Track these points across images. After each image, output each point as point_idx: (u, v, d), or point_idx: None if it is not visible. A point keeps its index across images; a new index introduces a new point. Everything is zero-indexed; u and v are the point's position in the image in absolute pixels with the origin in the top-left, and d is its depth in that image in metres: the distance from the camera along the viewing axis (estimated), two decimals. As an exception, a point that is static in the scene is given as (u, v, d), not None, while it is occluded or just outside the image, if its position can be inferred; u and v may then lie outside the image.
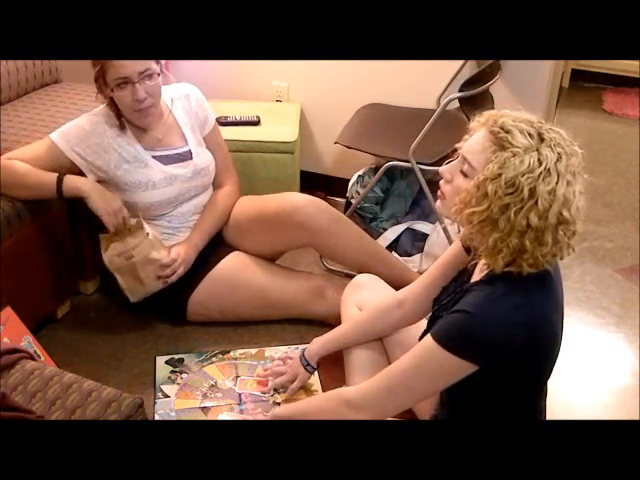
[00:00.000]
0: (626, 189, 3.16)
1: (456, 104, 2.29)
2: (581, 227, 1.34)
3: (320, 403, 1.61)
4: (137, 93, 2.00)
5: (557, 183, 1.28)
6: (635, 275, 2.57)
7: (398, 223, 2.59)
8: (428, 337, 1.38)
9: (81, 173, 2.09)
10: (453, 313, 1.37)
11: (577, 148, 1.35)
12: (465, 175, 1.38)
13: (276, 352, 2.15)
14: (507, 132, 1.31)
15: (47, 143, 2.08)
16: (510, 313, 1.32)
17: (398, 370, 1.43)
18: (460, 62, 2.62)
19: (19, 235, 2.03)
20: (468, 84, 2.22)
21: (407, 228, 2.54)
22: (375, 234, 2.55)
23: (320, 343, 1.89)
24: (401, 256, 2.47)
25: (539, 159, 1.28)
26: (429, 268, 1.71)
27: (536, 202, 1.27)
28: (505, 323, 1.32)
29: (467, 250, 1.58)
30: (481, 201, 1.31)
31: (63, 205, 2.15)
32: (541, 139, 1.31)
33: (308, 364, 1.90)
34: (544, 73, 2.64)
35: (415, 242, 2.52)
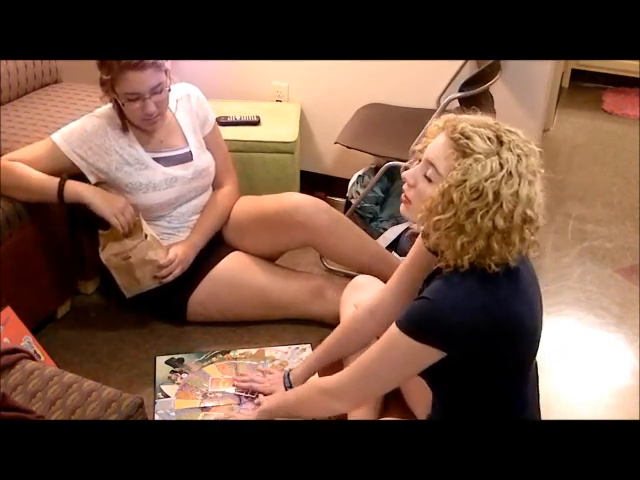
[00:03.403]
0: (626, 189, 3.16)
1: (456, 104, 2.29)
2: (542, 222, 1.37)
3: (301, 393, 1.66)
4: (147, 107, 2.01)
5: (519, 184, 1.31)
6: (635, 275, 2.57)
7: (398, 223, 2.59)
8: (392, 325, 1.41)
9: (82, 174, 2.09)
10: (415, 301, 1.40)
11: (534, 146, 1.37)
12: (429, 180, 1.40)
13: (276, 352, 2.15)
14: (467, 138, 1.33)
15: (48, 144, 2.08)
16: (468, 297, 1.34)
17: (367, 358, 1.48)
18: (460, 62, 2.62)
19: (19, 235, 2.03)
20: (468, 84, 2.22)
21: (407, 228, 2.54)
22: (375, 234, 2.55)
23: (305, 366, 1.90)
24: (401, 256, 2.47)
25: (500, 163, 1.31)
26: (394, 273, 1.73)
27: (501, 205, 1.30)
28: (463, 306, 1.34)
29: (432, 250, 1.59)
30: (447, 208, 1.33)
31: (63, 206, 2.15)
32: (500, 142, 1.33)
33: (291, 386, 1.89)
34: (544, 73, 2.64)
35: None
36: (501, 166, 1.30)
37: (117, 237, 2.07)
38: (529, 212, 1.32)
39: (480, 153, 1.31)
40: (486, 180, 1.30)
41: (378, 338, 1.81)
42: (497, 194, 1.30)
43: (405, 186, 1.46)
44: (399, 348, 1.40)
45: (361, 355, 1.51)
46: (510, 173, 1.30)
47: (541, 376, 1.55)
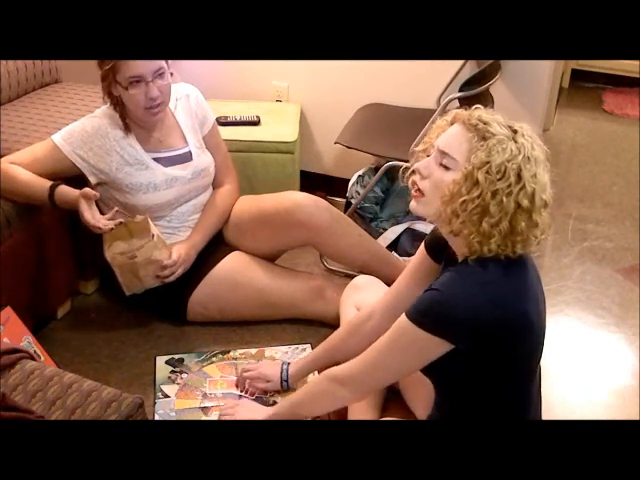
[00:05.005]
0: (626, 189, 3.16)
1: (456, 104, 2.29)
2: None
3: (308, 387, 1.67)
4: (151, 92, 2.00)
5: (537, 168, 1.36)
6: (635, 275, 2.57)
7: (398, 223, 2.59)
8: (402, 315, 1.43)
9: (82, 174, 2.09)
10: (424, 292, 1.42)
11: (539, 140, 1.42)
12: (446, 168, 1.41)
13: (276, 352, 2.15)
14: (485, 123, 1.38)
15: (49, 145, 2.08)
16: (477, 289, 1.36)
17: (377, 347, 1.49)
18: (460, 62, 2.62)
19: (19, 235, 2.03)
20: (468, 84, 2.22)
21: (407, 228, 2.54)
22: (375, 234, 2.55)
23: (303, 363, 1.92)
24: (401, 256, 2.47)
25: (517, 147, 1.36)
26: (396, 280, 1.75)
27: (523, 186, 1.34)
28: (471, 298, 1.35)
29: (433, 257, 1.61)
30: (471, 189, 1.35)
31: (59, 210, 2.15)
32: (513, 130, 1.39)
33: (286, 381, 1.92)
34: (544, 73, 2.64)
35: (415, 242, 2.51)
36: (519, 150, 1.35)
37: (123, 235, 2.06)
38: (544, 196, 1.37)
39: (501, 135, 1.36)
40: (508, 161, 1.34)
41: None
42: (519, 176, 1.34)
43: (416, 178, 1.47)
44: (407, 338, 1.41)
45: (372, 344, 1.52)
46: (528, 157, 1.35)
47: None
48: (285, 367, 1.93)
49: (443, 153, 1.41)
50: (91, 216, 1.98)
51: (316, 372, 1.95)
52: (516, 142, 1.36)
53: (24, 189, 2.01)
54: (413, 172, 1.48)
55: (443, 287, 1.38)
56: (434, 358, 1.40)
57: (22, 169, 2.03)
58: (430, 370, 1.45)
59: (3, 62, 2.43)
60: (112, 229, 2.01)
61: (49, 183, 2.01)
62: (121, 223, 2.03)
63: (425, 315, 1.38)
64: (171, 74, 2.07)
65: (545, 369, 1.55)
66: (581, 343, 2.27)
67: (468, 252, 1.40)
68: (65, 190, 2.00)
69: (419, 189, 1.46)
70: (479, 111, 1.42)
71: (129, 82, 1.98)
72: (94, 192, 1.99)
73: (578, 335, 2.30)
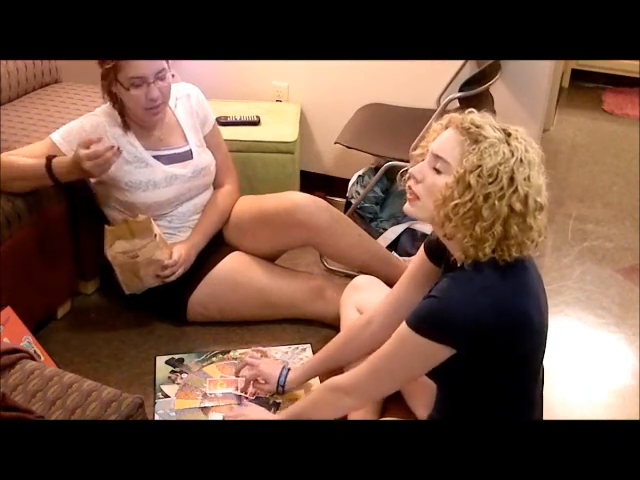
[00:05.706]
0: (626, 189, 3.16)
1: (456, 104, 2.29)
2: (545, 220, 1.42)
3: (311, 397, 1.67)
4: (151, 93, 2.00)
5: (530, 171, 1.36)
6: (635, 275, 2.57)
7: (398, 223, 2.59)
8: (403, 323, 1.43)
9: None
10: (423, 299, 1.42)
11: (535, 144, 1.43)
12: (439, 172, 1.42)
13: (276, 352, 2.15)
14: (478, 127, 1.38)
15: (47, 144, 2.08)
16: (476, 294, 1.36)
17: (380, 355, 1.49)
18: (460, 62, 2.62)
19: (19, 235, 2.03)
20: (468, 84, 2.22)
21: (407, 228, 2.54)
22: (375, 234, 2.55)
23: (301, 371, 1.91)
24: (401, 256, 2.47)
25: (510, 150, 1.36)
26: (394, 286, 1.76)
27: (516, 189, 1.34)
28: (471, 304, 1.35)
29: (433, 260, 1.61)
30: (463, 193, 1.36)
31: (63, 204, 2.15)
32: (507, 133, 1.39)
33: (282, 386, 1.91)
34: (544, 73, 2.64)
35: (415, 242, 2.52)
36: (512, 153, 1.35)
37: (124, 235, 2.06)
38: (539, 199, 1.37)
39: (493, 139, 1.36)
40: (500, 165, 1.34)
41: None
42: (511, 179, 1.34)
43: (411, 182, 1.48)
44: (408, 345, 1.42)
45: (375, 352, 1.52)
46: (521, 160, 1.35)
47: (541, 376, 1.56)
48: (285, 372, 1.92)
49: (437, 157, 1.42)
50: (92, 152, 1.93)
51: (317, 378, 1.95)
52: (509, 145, 1.36)
53: (23, 170, 2.00)
54: (410, 176, 1.49)
55: (442, 294, 1.39)
56: (437, 363, 1.41)
57: (17, 156, 2.03)
58: (432, 373, 1.46)
59: (3, 62, 2.43)
60: (119, 149, 1.97)
61: (45, 159, 2.00)
62: (123, 221, 2.03)
63: (425, 322, 1.39)
64: (172, 75, 2.07)
65: (545, 369, 1.55)
66: (581, 343, 2.27)
67: (464, 256, 1.41)
68: (61, 158, 2.00)
69: (414, 193, 1.46)
70: (472, 115, 1.42)
71: (131, 82, 1.98)
72: (93, 138, 1.98)
73: (578, 335, 2.30)
